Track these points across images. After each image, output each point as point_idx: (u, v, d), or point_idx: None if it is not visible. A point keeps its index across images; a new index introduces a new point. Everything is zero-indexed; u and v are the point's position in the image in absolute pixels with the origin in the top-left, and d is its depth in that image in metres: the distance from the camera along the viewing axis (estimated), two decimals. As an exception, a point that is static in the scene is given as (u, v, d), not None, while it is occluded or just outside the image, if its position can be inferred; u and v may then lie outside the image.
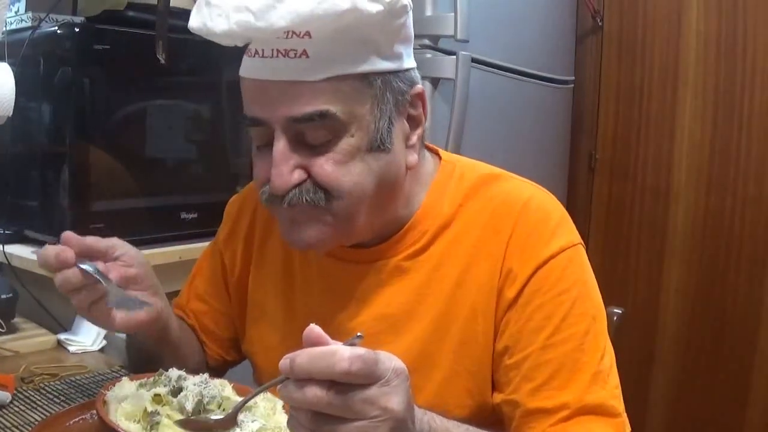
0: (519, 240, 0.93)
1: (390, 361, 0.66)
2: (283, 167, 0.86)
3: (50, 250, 0.88)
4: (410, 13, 0.89)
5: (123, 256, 0.95)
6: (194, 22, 0.86)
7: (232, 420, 0.80)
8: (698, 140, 2.42)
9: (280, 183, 0.86)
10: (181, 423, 0.80)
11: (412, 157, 0.94)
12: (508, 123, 2.19)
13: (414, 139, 0.94)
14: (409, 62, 0.92)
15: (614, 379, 0.91)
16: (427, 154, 1.03)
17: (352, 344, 0.66)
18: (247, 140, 1.91)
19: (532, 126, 2.34)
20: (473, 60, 1.94)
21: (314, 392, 0.64)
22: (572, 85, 2.57)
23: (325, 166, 0.86)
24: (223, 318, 1.14)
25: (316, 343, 0.66)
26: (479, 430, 0.85)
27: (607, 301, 1.02)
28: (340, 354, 0.63)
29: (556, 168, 2.57)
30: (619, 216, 2.62)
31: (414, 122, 0.94)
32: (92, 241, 0.92)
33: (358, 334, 0.68)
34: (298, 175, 0.86)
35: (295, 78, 0.83)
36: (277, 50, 0.83)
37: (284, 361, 0.65)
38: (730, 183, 2.36)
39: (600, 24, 2.60)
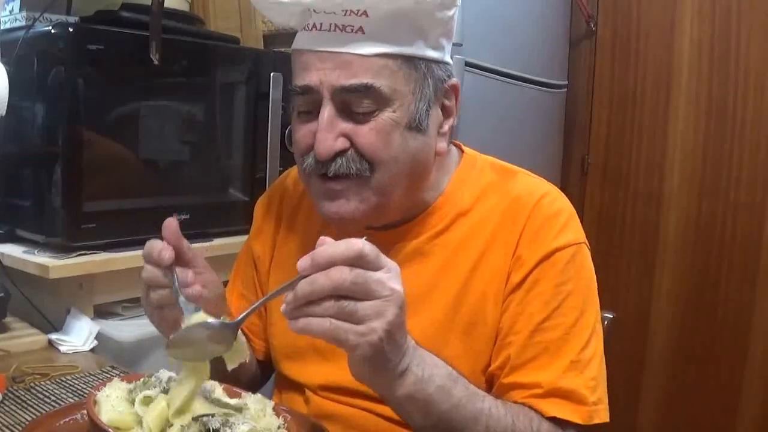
0: (531, 230, 0.99)
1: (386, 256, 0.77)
2: (329, 133, 0.92)
3: (156, 245, 0.92)
4: (458, 9, 0.97)
5: (201, 275, 0.97)
6: None
7: (234, 331, 0.82)
8: (691, 146, 2.42)
9: (324, 148, 0.92)
10: (173, 341, 0.81)
11: (442, 144, 1.01)
12: (501, 127, 2.19)
13: (446, 127, 1.01)
14: (448, 58, 0.99)
15: (593, 371, 0.95)
16: (453, 147, 1.10)
17: None
18: (240, 141, 1.91)
19: (525, 130, 2.34)
20: (467, 64, 1.94)
21: (338, 272, 0.73)
22: (565, 90, 2.57)
23: (369, 135, 0.92)
24: (260, 310, 1.18)
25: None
26: (460, 376, 0.89)
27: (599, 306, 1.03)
28: (355, 240, 0.75)
29: (549, 172, 2.56)
30: (611, 221, 2.63)
31: (446, 112, 1.01)
32: (185, 244, 0.95)
33: (365, 237, 0.77)
34: (341, 143, 0.93)
35: (350, 51, 0.91)
36: (335, 25, 0.91)
37: (304, 259, 0.74)
38: (722, 189, 2.36)
39: (594, 29, 2.61)
